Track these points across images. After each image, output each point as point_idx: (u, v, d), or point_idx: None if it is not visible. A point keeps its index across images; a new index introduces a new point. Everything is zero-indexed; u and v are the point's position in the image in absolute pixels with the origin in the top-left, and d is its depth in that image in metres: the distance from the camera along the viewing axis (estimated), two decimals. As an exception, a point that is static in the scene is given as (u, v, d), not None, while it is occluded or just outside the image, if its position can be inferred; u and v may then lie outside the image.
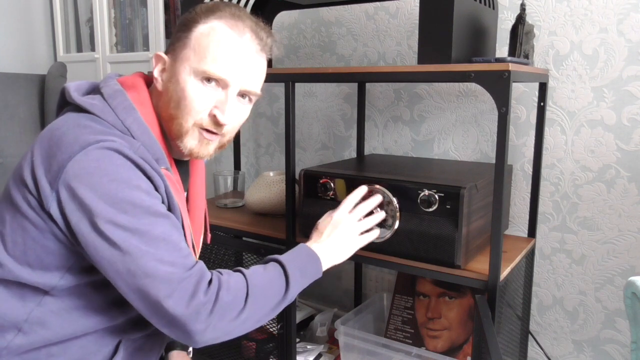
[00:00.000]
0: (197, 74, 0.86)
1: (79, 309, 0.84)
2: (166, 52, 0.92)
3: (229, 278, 0.83)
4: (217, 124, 0.88)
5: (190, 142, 0.89)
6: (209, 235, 1.13)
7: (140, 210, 0.77)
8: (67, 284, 0.82)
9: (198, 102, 0.87)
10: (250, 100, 0.94)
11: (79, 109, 0.85)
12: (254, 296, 0.84)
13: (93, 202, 0.75)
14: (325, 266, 1.00)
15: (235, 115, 0.91)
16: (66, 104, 0.90)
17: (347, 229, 1.06)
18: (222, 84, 0.88)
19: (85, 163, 0.76)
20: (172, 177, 0.88)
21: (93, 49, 2.70)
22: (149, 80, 0.96)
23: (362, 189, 1.15)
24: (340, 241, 1.05)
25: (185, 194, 1.04)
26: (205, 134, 0.90)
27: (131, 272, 0.76)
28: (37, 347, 0.83)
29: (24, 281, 0.81)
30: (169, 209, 0.85)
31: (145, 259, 0.76)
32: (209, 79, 0.87)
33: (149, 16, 2.33)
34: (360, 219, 1.10)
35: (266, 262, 0.93)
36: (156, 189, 0.82)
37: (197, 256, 1.04)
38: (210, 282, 0.80)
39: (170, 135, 0.91)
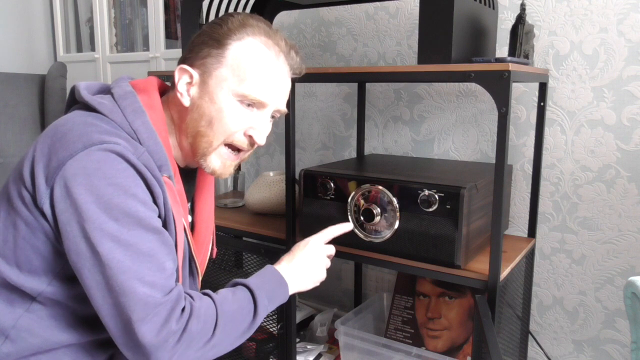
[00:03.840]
0: (237, 96, 0.87)
1: (67, 318, 0.82)
2: (191, 65, 0.89)
3: (200, 304, 0.80)
4: (252, 144, 0.91)
5: (214, 162, 0.91)
6: (215, 250, 1.10)
7: (133, 220, 0.75)
8: (55, 292, 0.80)
9: (235, 123, 0.88)
10: (275, 117, 0.96)
11: (88, 107, 0.84)
12: (222, 325, 0.81)
13: (86, 204, 0.73)
14: (292, 291, 0.95)
15: (267, 134, 0.93)
16: (75, 103, 0.89)
17: (319, 258, 1.01)
18: (259, 105, 0.89)
19: (86, 163, 0.74)
20: (172, 187, 0.86)
21: (93, 49, 2.70)
22: (161, 85, 0.95)
23: (348, 226, 1.10)
24: (310, 268, 0.99)
25: (190, 204, 1.02)
26: (228, 153, 0.91)
27: (109, 286, 0.73)
28: (26, 355, 0.81)
29: (12, 282, 0.79)
30: (165, 221, 0.83)
31: (126, 276, 0.73)
32: (248, 102, 0.88)
33: (149, 16, 2.33)
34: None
35: (234, 285, 0.89)
36: (154, 200, 0.80)
37: (203, 271, 1.02)
38: (183, 309, 0.77)
39: (194, 150, 0.90)
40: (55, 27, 2.85)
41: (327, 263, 1.03)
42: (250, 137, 0.90)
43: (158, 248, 0.77)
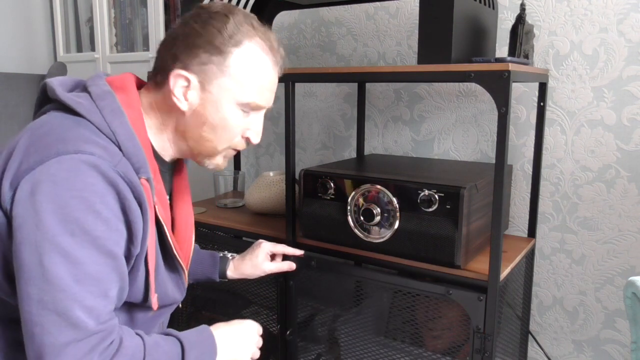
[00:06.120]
0: (241, 106, 0.89)
1: (8, 315, 0.80)
2: (186, 69, 0.86)
3: (130, 343, 0.77)
4: (248, 144, 0.95)
5: (219, 160, 0.95)
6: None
7: (88, 238, 0.72)
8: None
9: (238, 130, 0.92)
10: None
11: (63, 106, 0.81)
12: None
13: (45, 213, 0.70)
14: (220, 357, 0.91)
15: None
16: (47, 101, 0.85)
17: (250, 341, 0.98)
18: (257, 109, 0.93)
19: (55, 170, 0.72)
20: (149, 188, 0.82)
21: (93, 49, 2.70)
22: (138, 81, 0.93)
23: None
24: (242, 345, 0.96)
25: (168, 197, 1.00)
26: (231, 152, 0.96)
27: (42, 302, 0.69)
28: None
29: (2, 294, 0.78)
30: (143, 231, 0.80)
31: (64, 295, 0.70)
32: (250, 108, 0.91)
33: (149, 16, 2.33)
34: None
35: (167, 335, 0.86)
36: (125, 215, 0.77)
37: (188, 266, 1.01)
38: (112, 342, 0.74)
39: (195, 152, 0.93)
40: (55, 27, 2.85)
41: (255, 352, 1.00)
42: (247, 138, 0.94)
43: (107, 273, 0.75)
